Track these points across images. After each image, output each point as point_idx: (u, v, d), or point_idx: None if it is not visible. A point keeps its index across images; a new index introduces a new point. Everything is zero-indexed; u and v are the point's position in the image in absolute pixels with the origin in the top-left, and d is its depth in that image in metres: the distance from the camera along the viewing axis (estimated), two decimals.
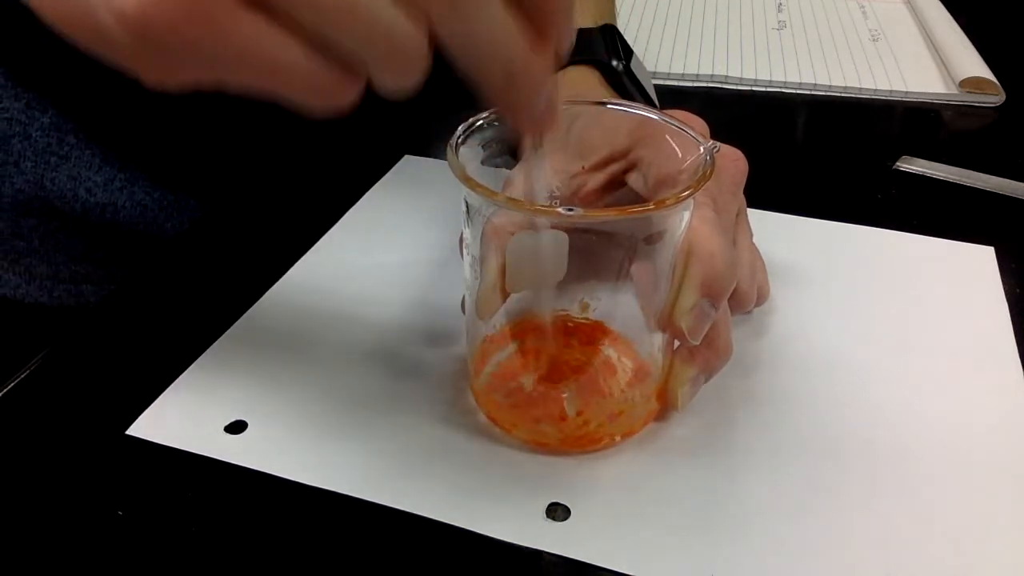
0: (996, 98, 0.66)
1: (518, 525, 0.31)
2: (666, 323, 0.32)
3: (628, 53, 0.50)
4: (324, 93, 0.23)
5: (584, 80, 0.48)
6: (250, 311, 0.41)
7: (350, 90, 0.23)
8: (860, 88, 0.68)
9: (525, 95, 0.25)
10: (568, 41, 0.25)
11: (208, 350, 0.39)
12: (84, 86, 0.50)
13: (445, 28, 0.22)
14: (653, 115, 0.35)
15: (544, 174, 0.31)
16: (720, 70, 0.70)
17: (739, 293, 0.36)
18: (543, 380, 0.35)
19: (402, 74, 0.23)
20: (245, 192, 0.53)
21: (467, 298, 0.35)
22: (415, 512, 0.32)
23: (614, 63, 0.49)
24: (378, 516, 0.32)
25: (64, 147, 0.50)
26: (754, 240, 0.40)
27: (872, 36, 0.77)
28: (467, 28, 0.22)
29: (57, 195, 0.50)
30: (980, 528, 0.31)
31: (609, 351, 0.36)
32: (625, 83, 0.49)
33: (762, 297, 0.40)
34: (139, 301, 0.43)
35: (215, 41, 0.21)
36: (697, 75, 0.70)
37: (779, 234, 0.46)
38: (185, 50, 0.21)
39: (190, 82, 0.23)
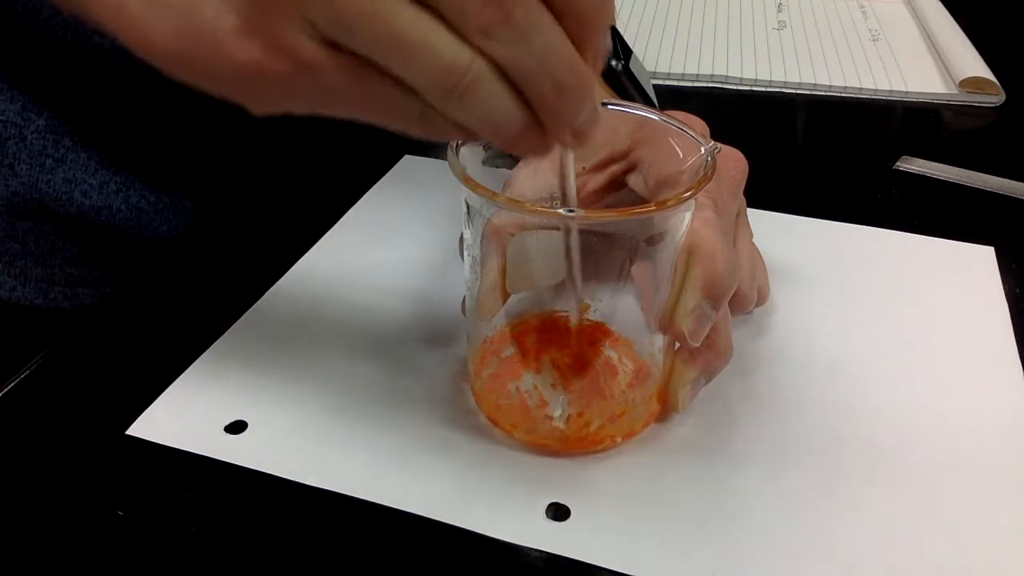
0: (996, 98, 0.66)
1: (518, 525, 0.31)
2: (667, 325, 0.32)
3: (627, 53, 0.50)
4: (410, 121, 0.25)
5: None
6: (250, 311, 0.41)
7: (429, 118, 0.25)
8: (860, 88, 0.68)
9: (574, 104, 0.25)
10: (604, 51, 0.26)
11: (208, 350, 0.39)
12: (80, 89, 0.50)
13: (507, 52, 0.24)
14: (653, 116, 0.35)
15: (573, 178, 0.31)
16: (720, 70, 0.70)
17: (739, 294, 0.36)
18: (544, 381, 0.35)
19: (463, 105, 0.24)
20: (243, 194, 0.53)
21: (467, 299, 0.35)
22: (415, 512, 0.32)
23: (613, 63, 0.49)
24: (378, 516, 0.32)
25: (60, 150, 0.50)
26: (754, 240, 0.40)
27: (872, 36, 0.77)
28: (526, 49, 0.24)
29: (52, 198, 0.50)
30: (980, 528, 0.31)
31: (610, 352, 0.36)
32: (624, 83, 0.49)
33: (762, 298, 0.40)
34: (139, 302, 0.43)
35: (315, 87, 0.25)
36: (697, 75, 0.70)
37: (779, 234, 0.46)
38: (289, 92, 0.25)
39: (294, 111, 0.26)
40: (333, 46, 0.24)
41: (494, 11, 0.23)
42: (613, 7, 0.26)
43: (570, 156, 0.30)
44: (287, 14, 0.23)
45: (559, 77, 0.24)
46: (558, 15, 0.24)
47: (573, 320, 0.33)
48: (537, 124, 0.25)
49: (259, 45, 0.24)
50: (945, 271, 0.45)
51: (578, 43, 0.24)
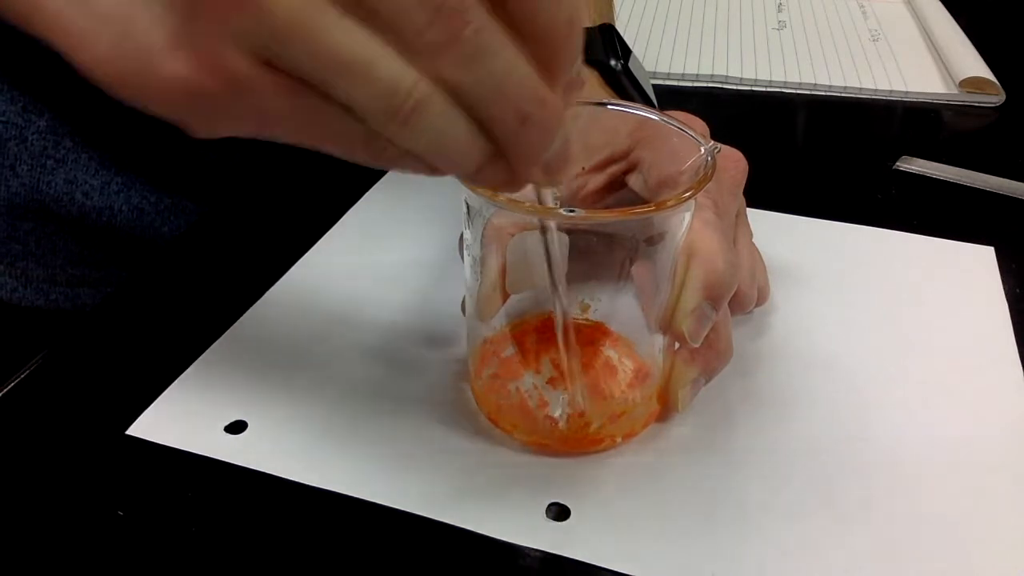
0: (996, 98, 0.66)
1: (518, 525, 0.31)
2: (667, 325, 0.33)
3: (627, 53, 0.50)
4: (356, 146, 0.24)
5: None
6: (250, 311, 0.41)
7: (375, 144, 0.23)
8: (860, 88, 0.68)
9: (538, 138, 0.23)
10: (578, 79, 0.24)
11: (208, 351, 0.39)
12: (81, 89, 0.49)
13: (456, 74, 0.22)
14: (653, 116, 0.35)
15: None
16: (720, 70, 0.70)
17: (739, 294, 0.36)
18: (544, 381, 0.35)
19: (411, 129, 0.22)
20: (243, 194, 0.53)
21: (467, 299, 0.35)
22: (415, 512, 0.32)
23: (612, 63, 0.49)
24: (378, 516, 0.32)
25: (61, 150, 0.50)
26: (754, 240, 0.40)
27: (872, 36, 0.77)
28: (478, 72, 0.22)
29: (53, 198, 0.50)
30: (980, 528, 0.31)
31: (610, 352, 0.36)
32: (624, 83, 0.49)
33: (763, 297, 0.40)
34: (139, 302, 0.43)
35: (251, 107, 0.23)
36: (697, 75, 0.70)
37: (779, 234, 0.46)
38: (225, 112, 0.24)
39: (235, 134, 0.25)
40: (269, 64, 0.22)
41: (440, 29, 0.21)
42: (581, 30, 0.24)
43: (547, 193, 0.28)
44: (218, 28, 0.22)
45: (520, 106, 0.22)
46: (520, 37, 0.22)
47: (559, 321, 0.32)
48: (501, 157, 0.23)
49: (190, 61, 0.23)
50: (945, 271, 0.45)
51: (545, 69, 0.22)
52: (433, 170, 0.24)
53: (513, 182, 0.25)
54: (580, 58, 0.24)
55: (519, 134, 0.23)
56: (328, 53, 0.21)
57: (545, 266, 0.30)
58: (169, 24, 0.23)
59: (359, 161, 0.24)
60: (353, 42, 0.21)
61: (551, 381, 0.35)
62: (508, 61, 0.22)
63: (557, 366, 0.35)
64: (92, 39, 0.25)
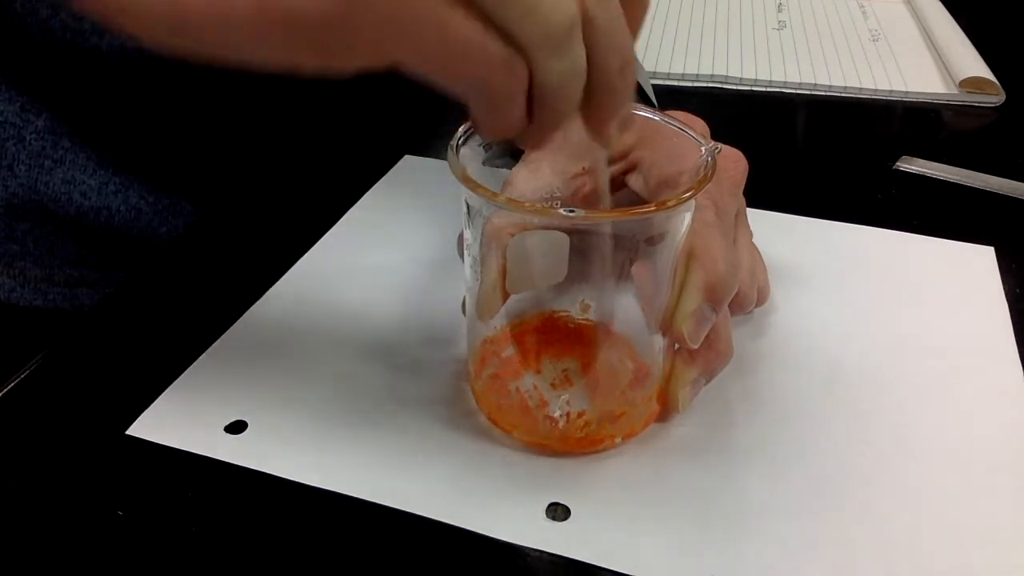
0: (996, 98, 0.66)
1: (518, 525, 0.31)
2: (667, 327, 0.33)
3: None
4: (493, 72, 0.24)
5: None
6: (250, 311, 0.41)
7: (518, 74, 0.24)
8: (860, 88, 0.68)
9: (629, 85, 0.26)
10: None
11: (208, 350, 0.39)
12: (79, 90, 0.50)
13: (596, 9, 0.24)
14: (653, 116, 0.35)
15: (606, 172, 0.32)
16: (720, 70, 0.70)
17: (739, 294, 0.36)
18: (544, 381, 0.35)
19: (563, 52, 0.24)
20: (242, 194, 0.53)
21: (467, 299, 0.35)
22: (415, 512, 0.32)
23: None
24: (378, 516, 0.32)
25: (59, 150, 0.50)
26: (754, 240, 0.40)
27: (872, 36, 0.77)
28: (610, 10, 0.25)
29: (51, 199, 0.50)
30: (980, 528, 0.31)
31: (610, 352, 0.36)
32: None
33: (763, 297, 0.40)
34: (138, 302, 0.43)
35: (408, 20, 0.23)
36: (697, 75, 0.70)
37: (779, 234, 0.46)
38: (380, 32, 0.23)
39: (369, 63, 0.24)
40: None
41: None
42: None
43: (603, 156, 0.31)
44: None
45: (624, 52, 0.25)
46: None
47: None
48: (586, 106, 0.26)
49: None
50: (945, 271, 0.45)
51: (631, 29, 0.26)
52: (524, 115, 0.26)
53: (597, 133, 0.27)
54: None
55: (616, 80, 0.26)
56: None
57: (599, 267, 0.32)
58: None
59: (472, 93, 0.25)
60: None
61: (554, 385, 0.35)
62: (619, 8, 0.25)
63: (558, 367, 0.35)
64: None
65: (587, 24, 0.24)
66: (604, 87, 0.26)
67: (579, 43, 0.25)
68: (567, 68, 0.25)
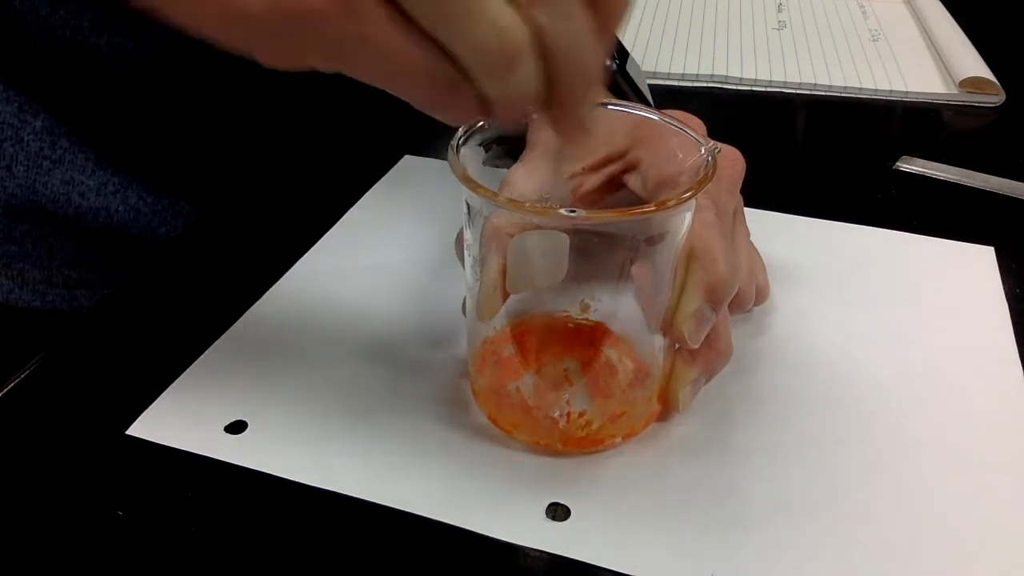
0: (996, 98, 0.66)
1: (518, 525, 0.31)
2: (667, 327, 0.33)
3: (623, 54, 0.50)
4: (437, 90, 0.25)
5: None
6: (250, 311, 0.41)
7: (461, 96, 0.25)
8: (860, 88, 0.68)
9: (596, 95, 0.26)
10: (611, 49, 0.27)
11: (208, 350, 0.39)
12: (78, 90, 0.50)
13: (544, 16, 0.24)
14: (652, 115, 0.35)
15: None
16: (720, 70, 0.70)
17: (738, 293, 0.36)
18: (544, 381, 0.35)
19: (504, 76, 0.24)
20: (242, 194, 0.53)
21: (467, 299, 0.35)
22: (415, 512, 0.32)
23: (608, 64, 0.49)
24: (378, 516, 0.32)
25: (57, 151, 0.50)
26: (754, 240, 0.40)
27: (872, 36, 0.77)
28: (563, 17, 0.24)
29: (50, 199, 0.50)
30: (980, 528, 0.31)
31: (610, 352, 0.36)
32: (620, 83, 0.49)
33: (762, 296, 0.40)
34: (138, 303, 0.43)
35: (354, 34, 0.23)
36: (697, 75, 0.70)
37: (779, 234, 0.46)
38: (323, 35, 0.24)
39: (316, 65, 0.25)
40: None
41: None
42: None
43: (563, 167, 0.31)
44: None
45: (587, 61, 0.25)
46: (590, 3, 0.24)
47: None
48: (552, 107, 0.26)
49: None
50: (945, 271, 0.45)
51: (600, 32, 0.25)
52: (489, 117, 0.26)
53: (564, 130, 0.27)
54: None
55: (579, 94, 0.26)
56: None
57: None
58: None
59: (424, 105, 0.25)
60: None
61: (555, 385, 0.35)
62: (582, 17, 0.24)
63: (558, 367, 0.35)
64: None
65: (544, 42, 0.24)
66: (566, 99, 0.26)
67: (525, 66, 0.24)
68: (510, 92, 0.24)
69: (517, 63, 0.23)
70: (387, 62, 0.24)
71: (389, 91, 0.25)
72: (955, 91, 0.67)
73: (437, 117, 0.26)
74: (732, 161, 0.37)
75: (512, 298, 0.34)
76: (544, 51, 0.24)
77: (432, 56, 0.24)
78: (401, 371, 0.38)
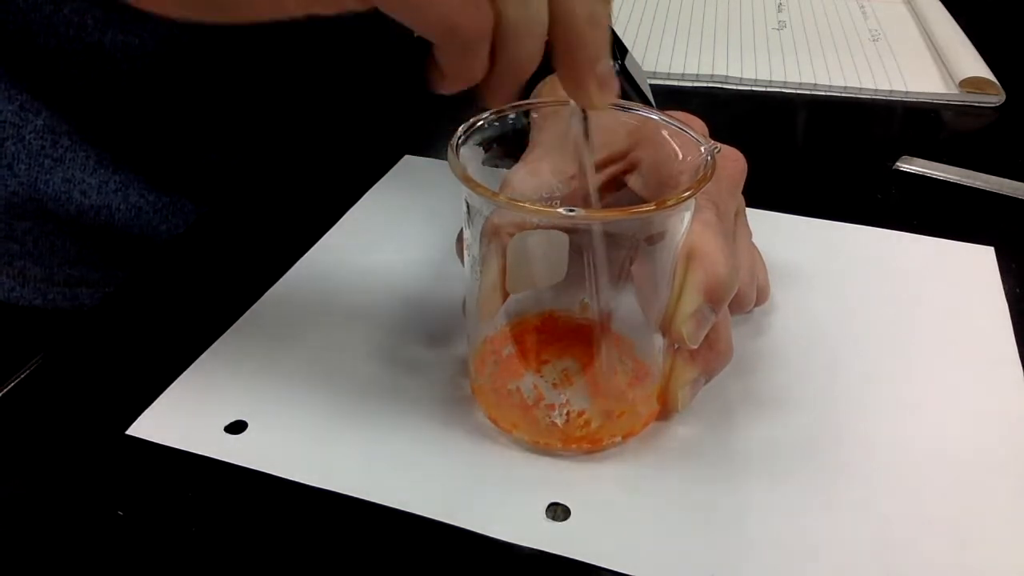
0: (996, 98, 0.66)
1: (518, 525, 0.31)
2: (667, 327, 0.32)
3: (623, 53, 0.50)
4: (461, 14, 0.25)
5: None
6: (250, 311, 0.41)
7: (483, 13, 0.25)
8: (860, 88, 0.68)
9: (601, 39, 0.27)
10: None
11: (208, 350, 0.39)
12: (79, 88, 0.50)
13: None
14: (652, 115, 0.35)
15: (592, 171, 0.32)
16: (720, 70, 0.70)
17: (738, 294, 0.36)
18: (544, 381, 0.35)
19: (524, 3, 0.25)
20: (243, 193, 0.53)
21: (467, 299, 0.35)
22: (415, 512, 0.32)
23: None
24: (378, 516, 0.32)
25: (58, 149, 0.50)
26: (754, 240, 0.40)
27: (872, 36, 0.77)
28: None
29: (51, 198, 0.50)
30: (980, 528, 0.31)
31: (610, 352, 0.36)
32: (620, 82, 0.49)
33: (763, 297, 0.40)
34: (139, 302, 0.43)
35: None
36: (697, 75, 0.70)
37: (779, 234, 0.46)
38: None
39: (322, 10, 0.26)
40: None
41: None
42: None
43: (588, 154, 0.31)
44: None
45: (592, 3, 0.26)
46: None
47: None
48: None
49: None
50: (945, 271, 0.45)
51: None
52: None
53: (576, 92, 0.28)
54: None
55: (585, 30, 0.26)
56: None
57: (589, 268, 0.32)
58: None
59: (438, 33, 0.26)
60: None
61: (555, 384, 0.35)
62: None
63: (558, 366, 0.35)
64: None
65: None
66: (573, 38, 0.26)
67: None
68: (529, 13, 0.25)
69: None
70: None
71: (419, 31, 0.26)
72: (955, 91, 0.67)
73: (450, 72, 0.27)
74: (733, 161, 0.37)
75: (512, 298, 0.34)
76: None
77: None
78: (401, 371, 0.38)
